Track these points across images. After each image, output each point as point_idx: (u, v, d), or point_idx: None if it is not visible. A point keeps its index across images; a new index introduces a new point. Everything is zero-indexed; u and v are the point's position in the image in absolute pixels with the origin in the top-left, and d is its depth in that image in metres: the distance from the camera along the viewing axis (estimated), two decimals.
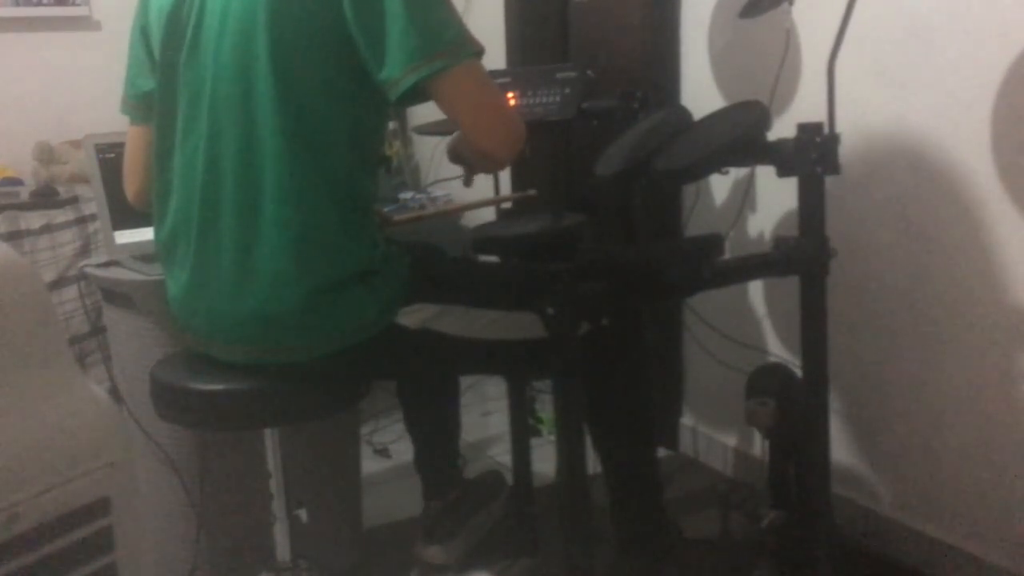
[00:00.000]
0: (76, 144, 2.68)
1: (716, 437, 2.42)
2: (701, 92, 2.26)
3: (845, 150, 1.50)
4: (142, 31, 1.49)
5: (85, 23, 2.93)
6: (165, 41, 1.42)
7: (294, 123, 1.32)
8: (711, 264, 1.52)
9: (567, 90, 1.83)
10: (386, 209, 2.50)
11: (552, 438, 2.41)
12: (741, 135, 1.46)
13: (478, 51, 1.32)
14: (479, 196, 2.38)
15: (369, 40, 1.28)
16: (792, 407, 1.62)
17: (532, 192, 2.13)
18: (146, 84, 1.49)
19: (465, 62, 1.30)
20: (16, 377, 1.09)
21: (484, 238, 1.85)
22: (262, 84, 1.31)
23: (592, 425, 1.63)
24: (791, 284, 1.58)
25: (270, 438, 1.57)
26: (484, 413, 2.84)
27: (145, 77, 1.49)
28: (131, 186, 1.60)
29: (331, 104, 1.33)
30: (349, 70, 1.31)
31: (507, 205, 2.69)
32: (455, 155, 1.54)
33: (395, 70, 1.28)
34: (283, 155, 1.32)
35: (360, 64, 1.30)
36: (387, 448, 2.56)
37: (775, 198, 2.09)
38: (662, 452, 2.46)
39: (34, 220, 2.22)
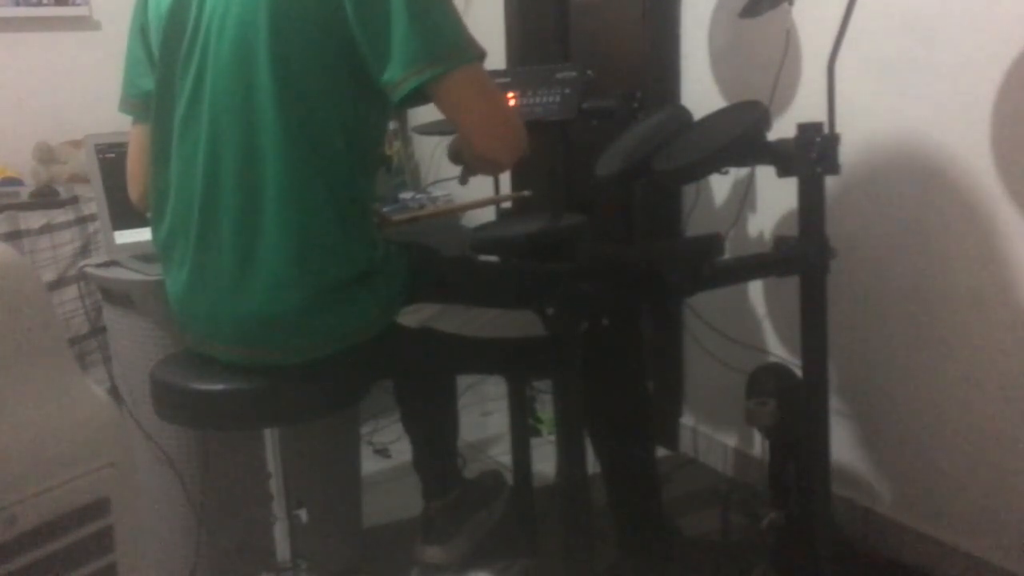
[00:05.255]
0: (76, 144, 2.68)
1: (716, 437, 2.42)
2: (701, 92, 2.26)
3: (845, 150, 1.50)
4: (141, 30, 1.48)
5: (85, 23, 2.93)
6: (164, 40, 1.41)
7: (295, 123, 1.31)
8: (711, 264, 1.52)
9: (567, 90, 1.83)
10: (385, 209, 2.51)
11: (552, 438, 2.41)
12: (741, 135, 1.46)
13: (480, 54, 1.32)
14: (477, 196, 2.38)
15: (371, 42, 1.28)
16: (792, 407, 1.62)
17: (527, 192, 2.13)
18: (147, 83, 1.47)
19: (466, 65, 1.30)
20: (16, 377, 1.09)
21: (483, 238, 1.85)
22: (262, 84, 1.31)
23: (590, 425, 1.63)
24: (791, 284, 1.58)
25: (270, 438, 1.57)
26: (484, 413, 2.84)
27: (146, 76, 1.48)
28: (135, 187, 1.58)
29: (332, 104, 1.33)
30: (350, 70, 1.31)
31: (506, 205, 2.69)
32: (456, 155, 1.53)
33: (397, 72, 1.28)
34: (284, 155, 1.31)
35: (361, 65, 1.30)
36: (387, 448, 2.56)
37: (775, 198, 2.09)
38: (662, 452, 2.46)
39: (34, 220, 2.22)
